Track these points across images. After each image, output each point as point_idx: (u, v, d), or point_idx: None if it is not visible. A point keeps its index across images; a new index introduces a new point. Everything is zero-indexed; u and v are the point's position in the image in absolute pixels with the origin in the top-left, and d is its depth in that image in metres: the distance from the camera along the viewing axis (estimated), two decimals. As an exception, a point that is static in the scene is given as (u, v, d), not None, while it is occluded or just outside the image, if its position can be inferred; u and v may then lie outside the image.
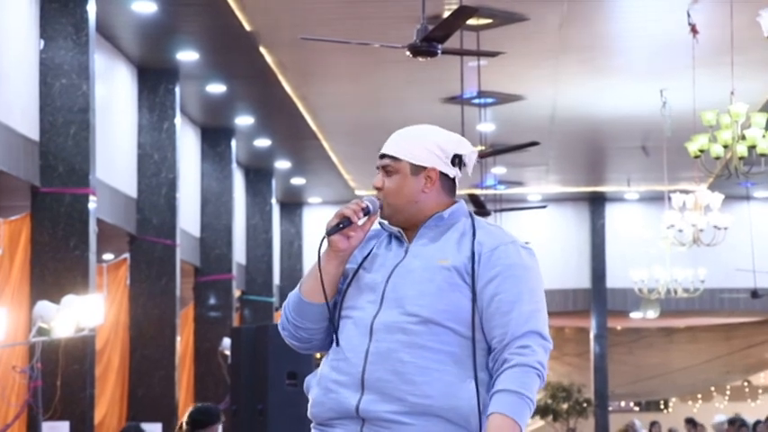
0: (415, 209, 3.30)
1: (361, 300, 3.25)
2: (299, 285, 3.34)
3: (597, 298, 23.49)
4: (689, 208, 14.14)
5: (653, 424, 21.20)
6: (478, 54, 12.06)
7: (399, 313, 3.19)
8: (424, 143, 3.29)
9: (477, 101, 15.03)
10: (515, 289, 3.20)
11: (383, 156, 3.32)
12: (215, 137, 17.06)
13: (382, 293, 3.23)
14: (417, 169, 3.29)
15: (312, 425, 3.33)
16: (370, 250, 3.32)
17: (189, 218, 16.05)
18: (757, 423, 17.19)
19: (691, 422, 20.43)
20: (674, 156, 16.22)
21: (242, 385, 8.94)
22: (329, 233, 3.25)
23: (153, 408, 13.76)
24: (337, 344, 3.26)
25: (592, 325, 23.87)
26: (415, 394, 3.15)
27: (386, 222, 3.35)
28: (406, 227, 3.31)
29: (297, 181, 20.91)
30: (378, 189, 3.31)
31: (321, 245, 3.28)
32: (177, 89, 14.37)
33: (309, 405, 3.30)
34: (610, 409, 24.99)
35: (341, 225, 3.23)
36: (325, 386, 3.24)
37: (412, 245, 3.29)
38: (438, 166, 3.29)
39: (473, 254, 3.23)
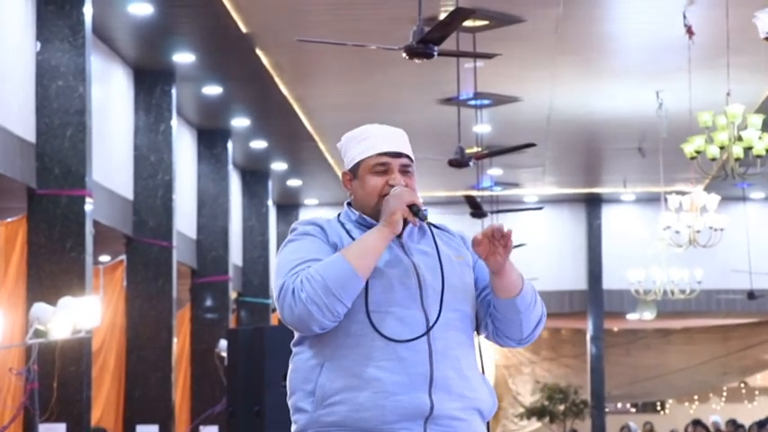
0: None
1: (396, 296, 3.20)
2: (342, 260, 3.13)
3: (594, 299, 23.50)
4: (685, 209, 14.15)
5: (645, 424, 21.21)
6: (475, 56, 12.06)
7: (447, 310, 3.21)
8: None
9: (473, 102, 15.03)
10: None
11: (400, 155, 3.32)
12: (211, 138, 17.06)
13: (420, 291, 3.21)
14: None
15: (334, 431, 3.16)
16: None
17: (185, 220, 16.06)
18: (761, 425, 17.19)
19: (697, 423, 20.35)
20: (670, 157, 16.23)
21: (238, 387, 8.94)
22: (420, 216, 3.20)
23: (149, 409, 13.76)
24: (387, 339, 3.15)
25: (588, 326, 23.88)
26: (469, 389, 3.21)
27: (357, 214, 3.32)
28: None
29: (293, 182, 20.91)
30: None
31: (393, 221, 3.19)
32: (173, 91, 14.37)
33: (349, 410, 3.13)
34: (606, 410, 25.01)
35: (420, 214, 3.21)
36: (382, 389, 3.12)
37: (405, 240, 3.29)
38: None
39: (465, 247, 3.38)
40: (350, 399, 3.14)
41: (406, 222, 3.27)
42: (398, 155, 3.30)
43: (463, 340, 3.24)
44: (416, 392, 3.12)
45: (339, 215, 3.36)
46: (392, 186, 3.26)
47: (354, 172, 3.34)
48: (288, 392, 3.30)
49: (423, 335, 3.15)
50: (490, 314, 3.33)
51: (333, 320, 3.14)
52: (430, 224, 3.36)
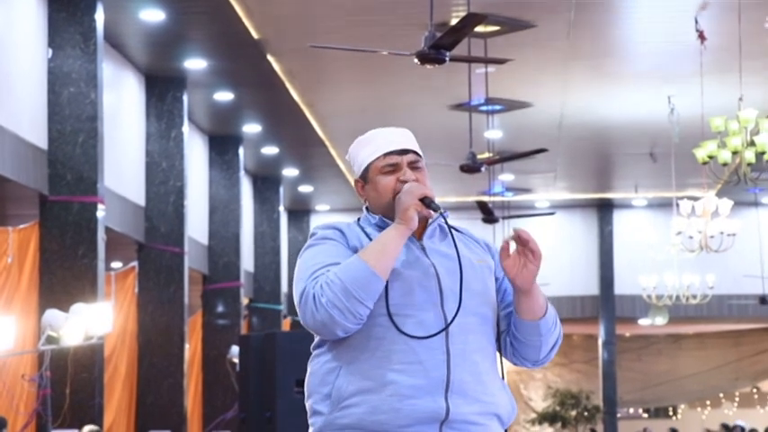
0: None
1: (416, 299, 3.18)
2: (360, 262, 3.11)
3: (605, 305, 23.46)
4: (698, 214, 14.12)
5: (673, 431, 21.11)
6: (486, 61, 12.05)
7: (467, 314, 3.19)
8: None
9: (484, 108, 15.03)
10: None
11: (407, 151, 3.31)
12: (223, 145, 17.08)
13: (440, 293, 3.18)
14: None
15: None
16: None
17: (197, 226, 16.07)
18: None
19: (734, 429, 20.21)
20: (682, 162, 16.21)
21: (250, 393, 8.94)
22: (433, 207, 3.18)
23: (161, 415, 13.76)
24: (407, 337, 3.13)
25: (600, 332, 23.85)
26: (486, 394, 3.18)
27: (377, 217, 3.30)
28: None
29: (304, 188, 20.92)
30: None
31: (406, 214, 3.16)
32: (185, 97, 14.39)
33: (364, 412, 3.12)
34: (618, 415, 24.96)
35: (433, 205, 3.19)
36: (397, 392, 3.10)
37: (425, 242, 3.27)
38: None
39: (486, 253, 3.36)
40: (365, 401, 3.13)
41: (426, 224, 3.27)
42: (405, 152, 3.30)
43: (483, 344, 3.22)
44: (432, 396, 3.11)
45: (359, 219, 3.35)
46: (403, 182, 3.25)
47: (365, 177, 3.34)
48: (305, 395, 3.30)
49: (440, 331, 3.13)
50: (510, 334, 3.32)
51: (356, 323, 3.13)
52: (451, 227, 3.35)
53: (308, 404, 3.28)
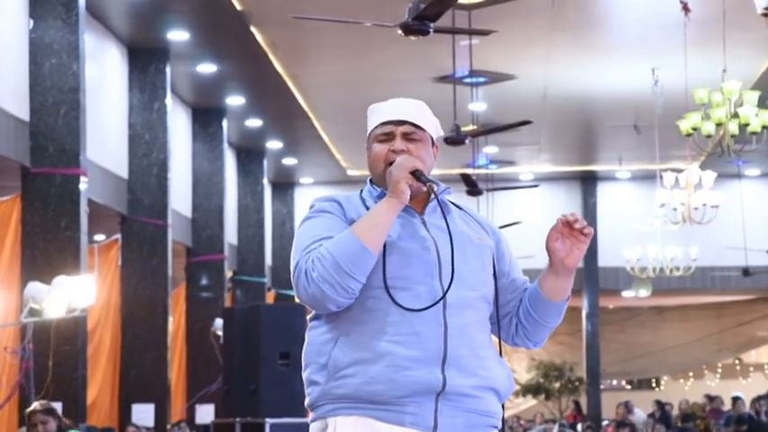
0: None
1: (414, 271, 3.18)
2: (351, 236, 3.11)
3: (589, 277, 23.51)
4: (682, 186, 14.13)
5: (658, 403, 21.13)
6: (470, 33, 12.01)
7: (465, 289, 3.20)
8: (435, 121, 3.38)
9: (468, 80, 14.99)
10: (521, 270, 3.43)
11: (404, 122, 3.30)
12: (206, 117, 17.01)
13: (439, 267, 3.18)
14: (432, 143, 3.34)
15: (345, 404, 3.15)
16: None
17: (180, 198, 16.03)
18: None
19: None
20: (666, 134, 16.20)
21: (234, 365, 8.94)
22: (423, 180, 3.17)
23: (145, 388, 13.76)
24: (403, 309, 3.13)
25: (584, 304, 23.90)
26: (483, 368, 3.21)
27: (379, 190, 3.28)
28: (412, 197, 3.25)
29: (288, 161, 20.87)
30: (397, 153, 3.26)
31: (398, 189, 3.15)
32: (168, 69, 14.32)
33: (360, 383, 3.12)
34: (602, 387, 25.06)
35: (423, 178, 3.18)
36: (394, 363, 3.11)
37: (426, 217, 3.27)
38: (438, 145, 3.38)
39: (487, 234, 3.37)
40: (362, 371, 3.13)
41: (428, 198, 3.26)
42: (401, 122, 3.30)
43: (480, 319, 3.25)
44: (429, 368, 3.12)
45: (362, 191, 3.35)
46: (394, 152, 3.26)
47: (367, 145, 3.36)
48: (302, 366, 3.30)
49: (434, 304, 3.14)
50: (519, 316, 3.35)
51: (347, 297, 3.14)
52: (454, 204, 3.35)
53: (304, 375, 3.29)
